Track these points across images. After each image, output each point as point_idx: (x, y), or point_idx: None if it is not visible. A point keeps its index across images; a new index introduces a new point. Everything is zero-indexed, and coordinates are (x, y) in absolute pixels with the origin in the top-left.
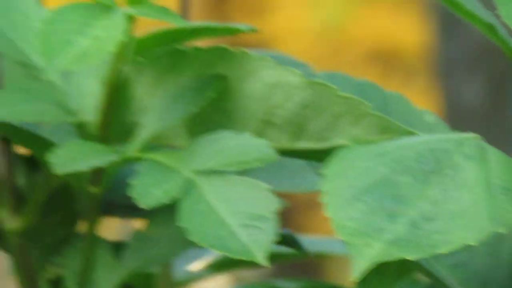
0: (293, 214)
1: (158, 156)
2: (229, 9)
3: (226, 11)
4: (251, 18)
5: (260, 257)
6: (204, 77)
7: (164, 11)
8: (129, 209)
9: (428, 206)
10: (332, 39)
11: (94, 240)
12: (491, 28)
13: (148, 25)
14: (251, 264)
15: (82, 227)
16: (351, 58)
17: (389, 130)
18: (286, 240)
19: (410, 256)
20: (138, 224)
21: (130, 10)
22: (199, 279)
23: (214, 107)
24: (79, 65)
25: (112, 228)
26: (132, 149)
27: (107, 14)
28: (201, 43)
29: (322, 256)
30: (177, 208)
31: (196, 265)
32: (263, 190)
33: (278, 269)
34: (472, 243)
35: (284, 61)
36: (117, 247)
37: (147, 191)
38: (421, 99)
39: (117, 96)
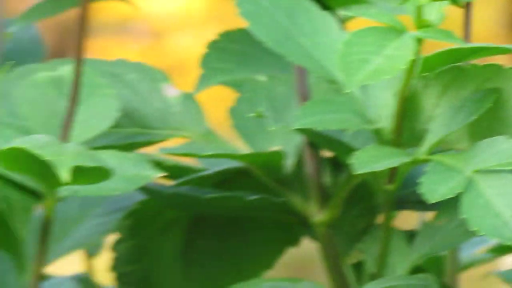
0: None
1: (443, 158)
2: None
3: None
4: None
5: None
6: (481, 90)
7: (447, 34)
8: (418, 204)
9: None
10: None
11: (389, 230)
12: None
13: (433, 45)
14: None
15: (379, 219)
16: None
17: None
18: None
19: None
20: (427, 216)
21: (418, 34)
22: (481, 262)
23: (490, 115)
24: (374, 80)
25: (408, 220)
26: (421, 152)
27: (399, 36)
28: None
29: None
30: (459, 202)
31: (479, 250)
32: None
33: None
34: None
35: None
36: (410, 236)
37: (434, 188)
38: None
39: (407, 107)
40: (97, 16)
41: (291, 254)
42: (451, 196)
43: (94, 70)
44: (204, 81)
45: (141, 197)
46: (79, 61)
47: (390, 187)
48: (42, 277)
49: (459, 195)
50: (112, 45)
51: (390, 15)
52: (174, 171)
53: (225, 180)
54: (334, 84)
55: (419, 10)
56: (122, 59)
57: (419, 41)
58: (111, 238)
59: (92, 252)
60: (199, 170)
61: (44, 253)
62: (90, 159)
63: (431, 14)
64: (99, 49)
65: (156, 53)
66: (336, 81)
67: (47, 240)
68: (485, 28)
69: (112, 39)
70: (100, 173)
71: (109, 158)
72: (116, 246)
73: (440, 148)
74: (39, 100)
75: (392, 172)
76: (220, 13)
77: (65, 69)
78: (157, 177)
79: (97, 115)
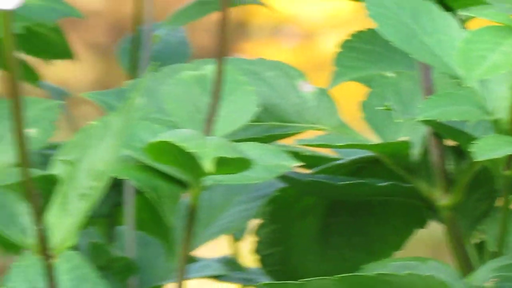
0: None
1: None
2: None
3: None
4: None
5: None
6: None
7: None
8: None
9: None
10: None
11: (508, 212)
12: None
13: None
14: None
15: (499, 202)
16: None
17: None
18: None
19: None
20: None
21: None
22: None
23: None
24: (492, 75)
25: None
26: None
27: None
28: None
29: None
30: None
31: None
32: None
33: None
34: None
35: None
36: None
37: None
38: None
39: None
40: (253, 20)
41: (426, 236)
42: None
43: (235, 68)
44: (337, 78)
45: (280, 185)
46: (221, 60)
47: (508, 172)
48: (191, 260)
49: None
50: (267, 46)
51: (505, 15)
52: (310, 161)
53: (358, 168)
54: (455, 79)
55: None
56: (260, 58)
57: None
58: (254, 223)
59: (237, 236)
60: (334, 160)
61: (191, 238)
62: (232, 151)
63: None
64: (254, 50)
65: (306, 53)
66: (457, 76)
67: (193, 226)
68: None
69: (267, 41)
70: (241, 163)
71: (249, 150)
72: (258, 230)
73: None
74: (184, 96)
75: (510, 159)
76: (365, 15)
77: (208, 68)
78: (295, 166)
79: (238, 110)
